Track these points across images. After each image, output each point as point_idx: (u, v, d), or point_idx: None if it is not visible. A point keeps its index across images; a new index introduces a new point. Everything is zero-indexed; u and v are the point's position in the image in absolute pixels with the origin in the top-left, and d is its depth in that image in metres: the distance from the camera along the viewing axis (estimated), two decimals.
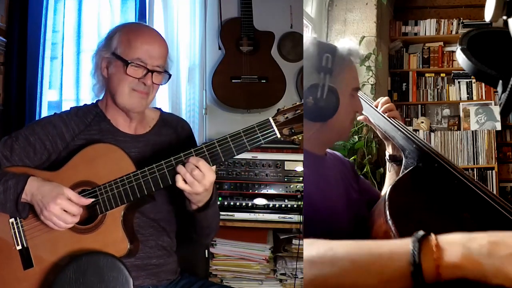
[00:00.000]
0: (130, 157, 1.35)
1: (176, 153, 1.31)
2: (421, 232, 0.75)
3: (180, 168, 1.27)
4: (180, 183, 1.27)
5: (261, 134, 1.29)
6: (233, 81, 2.87)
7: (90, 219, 1.34)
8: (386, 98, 1.49)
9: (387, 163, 1.52)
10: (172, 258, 1.52)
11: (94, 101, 1.55)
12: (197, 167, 1.26)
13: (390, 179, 1.53)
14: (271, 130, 1.29)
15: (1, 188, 1.31)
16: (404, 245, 0.74)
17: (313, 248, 0.81)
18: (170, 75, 1.48)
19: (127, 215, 1.35)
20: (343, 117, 1.28)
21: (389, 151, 1.51)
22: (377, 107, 1.48)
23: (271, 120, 1.29)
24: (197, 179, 1.26)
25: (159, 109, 1.61)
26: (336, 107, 1.22)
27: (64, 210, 1.28)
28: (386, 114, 1.45)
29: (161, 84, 1.47)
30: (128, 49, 1.41)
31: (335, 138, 1.38)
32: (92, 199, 1.32)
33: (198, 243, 1.58)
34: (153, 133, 1.53)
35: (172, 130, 1.56)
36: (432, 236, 0.75)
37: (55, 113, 1.50)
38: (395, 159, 1.48)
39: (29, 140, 1.41)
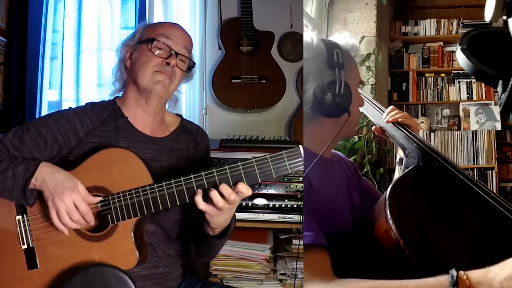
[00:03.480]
0: (147, 166, 1.30)
1: (192, 164, 1.27)
2: (454, 273, 0.85)
3: (213, 194, 1.20)
4: (201, 205, 1.21)
5: (289, 162, 1.21)
6: (233, 81, 2.87)
7: (100, 227, 1.30)
8: (392, 107, 1.48)
9: (397, 166, 1.52)
10: (178, 265, 1.49)
11: (112, 98, 1.50)
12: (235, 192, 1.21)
13: None
14: (300, 160, 1.20)
15: (10, 173, 1.25)
16: (443, 287, 0.84)
17: None
18: (194, 64, 1.47)
19: (139, 224, 1.31)
20: (354, 112, 1.29)
21: (400, 154, 1.50)
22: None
23: (301, 149, 1.20)
24: (230, 202, 1.21)
25: (180, 115, 1.58)
26: (350, 101, 1.24)
27: (75, 205, 1.23)
28: (399, 120, 1.43)
29: (186, 71, 1.45)
30: (152, 30, 1.44)
31: (345, 135, 1.37)
32: (99, 198, 1.28)
33: (194, 261, 1.52)
34: (171, 139, 1.48)
35: (191, 138, 1.52)
36: (464, 276, 0.84)
37: (69, 108, 1.46)
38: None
39: (40, 132, 1.36)
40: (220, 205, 1.20)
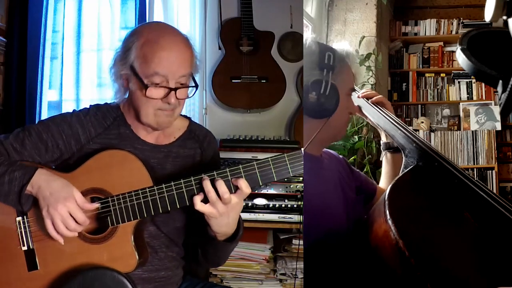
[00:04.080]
0: (148, 169, 1.29)
1: (197, 171, 1.24)
2: None
3: (206, 183, 1.19)
4: (198, 205, 1.19)
5: (291, 165, 1.20)
6: (233, 81, 2.87)
7: (100, 229, 1.29)
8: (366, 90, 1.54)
9: (382, 152, 1.54)
10: (180, 268, 1.48)
11: (116, 100, 1.42)
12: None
13: (385, 168, 1.56)
14: (302, 163, 1.19)
15: (7, 178, 1.25)
16: None
17: None
18: (197, 86, 1.35)
19: (139, 226, 1.30)
20: (340, 116, 1.30)
21: (383, 139, 1.54)
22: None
23: (303, 152, 1.20)
24: (224, 201, 1.19)
25: (189, 118, 1.52)
26: (337, 105, 1.24)
27: (70, 215, 1.22)
28: (370, 100, 1.48)
29: (188, 97, 1.37)
30: (145, 65, 1.28)
31: (332, 138, 1.39)
32: (98, 204, 1.27)
33: (204, 267, 1.49)
34: (176, 145, 1.43)
35: (198, 145, 1.47)
36: None
37: (74, 110, 1.42)
38: (389, 147, 1.51)
39: (41, 136, 1.34)
40: (212, 196, 1.18)
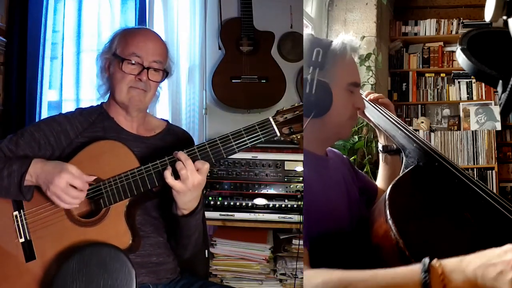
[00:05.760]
0: (134, 153, 1.39)
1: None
2: (427, 260, 0.84)
3: (178, 163, 1.30)
4: (169, 179, 1.29)
5: (261, 132, 1.32)
6: (233, 81, 2.87)
7: (93, 212, 1.36)
8: (368, 91, 1.53)
9: (380, 155, 1.53)
10: (172, 257, 1.53)
11: (99, 103, 1.60)
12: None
13: (383, 170, 1.55)
14: (271, 129, 1.32)
15: (6, 173, 1.33)
16: (415, 275, 0.84)
17: (318, 278, 0.90)
18: (167, 73, 1.53)
19: (130, 210, 1.37)
20: (339, 113, 1.24)
21: (381, 142, 1.53)
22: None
23: (271, 119, 1.33)
24: (189, 169, 1.29)
25: (166, 121, 1.67)
26: (330, 102, 1.20)
27: (70, 185, 1.29)
28: (375, 102, 1.48)
29: (159, 82, 1.52)
30: (124, 46, 1.49)
31: (334, 136, 1.34)
32: (94, 177, 1.34)
33: (176, 253, 1.55)
34: (157, 138, 1.57)
35: (176, 138, 1.61)
36: (437, 264, 0.84)
37: (60, 113, 1.55)
38: (388, 150, 1.50)
39: (34, 136, 1.45)
40: (183, 173, 1.28)
